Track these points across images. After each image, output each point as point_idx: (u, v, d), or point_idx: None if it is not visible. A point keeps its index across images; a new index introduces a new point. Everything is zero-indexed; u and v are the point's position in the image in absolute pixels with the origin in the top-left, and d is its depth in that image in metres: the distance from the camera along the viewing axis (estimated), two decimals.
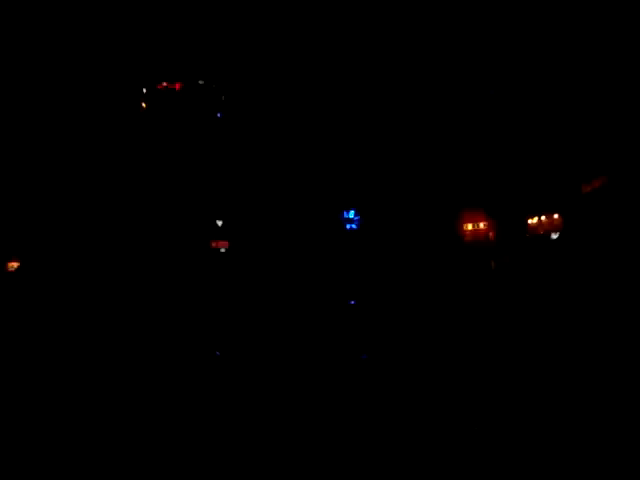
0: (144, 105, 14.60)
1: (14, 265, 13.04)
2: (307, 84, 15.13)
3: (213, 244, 15.08)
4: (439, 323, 11.44)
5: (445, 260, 15.29)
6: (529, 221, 15.82)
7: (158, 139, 14.73)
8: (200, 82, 14.73)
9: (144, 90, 14.57)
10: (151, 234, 14.40)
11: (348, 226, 15.56)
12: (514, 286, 14.45)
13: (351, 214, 15.50)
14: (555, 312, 11.22)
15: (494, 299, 13.42)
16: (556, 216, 15.66)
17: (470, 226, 16.05)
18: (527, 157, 15.86)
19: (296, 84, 15.13)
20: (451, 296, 13.90)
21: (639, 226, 14.42)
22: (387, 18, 14.98)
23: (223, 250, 15.15)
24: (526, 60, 15.26)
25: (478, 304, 13.09)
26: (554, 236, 15.31)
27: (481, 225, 16.06)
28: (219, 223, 15.27)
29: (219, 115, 15.12)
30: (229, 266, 14.69)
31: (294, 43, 14.60)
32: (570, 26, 14.85)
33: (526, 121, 15.87)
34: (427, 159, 15.72)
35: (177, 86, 14.64)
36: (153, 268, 13.80)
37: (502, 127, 15.99)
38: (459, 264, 15.36)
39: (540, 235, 15.65)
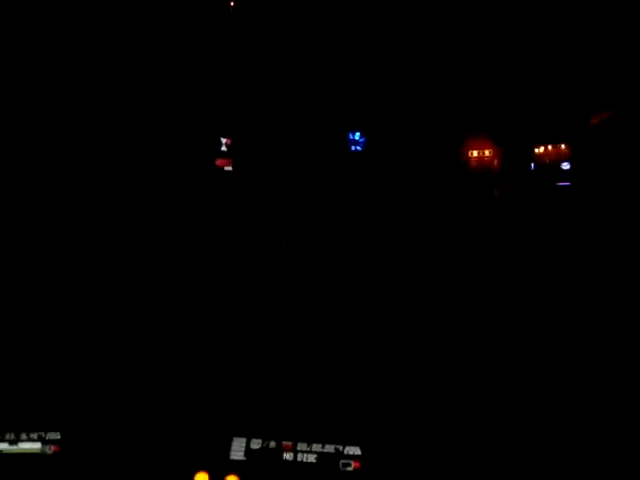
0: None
1: None
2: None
3: (217, 162, 14.88)
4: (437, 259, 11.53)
5: (449, 186, 15.26)
6: (535, 150, 15.69)
7: (156, 47, 14.26)
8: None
9: None
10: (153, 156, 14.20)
11: (353, 148, 15.38)
12: (512, 217, 14.53)
13: (357, 136, 15.30)
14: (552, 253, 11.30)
15: (493, 230, 13.51)
16: (563, 146, 15.53)
17: (475, 153, 15.89)
18: (536, 86, 15.59)
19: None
20: (451, 224, 13.98)
21: None
22: None
23: (228, 169, 14.97)
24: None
25: (478, 230, 13.21)
26: (564, 166, 15.28)
27: (486, 152, 15.90)
28: (223, 141, 15.03)
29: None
30: (234, 187, 14.60)
31: None
32: None
33: (536, 50, 15.52)
34: (435, 84, 15.41)
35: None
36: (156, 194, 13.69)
37: (512, 56, 15.65)
38: (462, 191, 15.35)
39: (546, 164, 15.58)
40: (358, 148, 15.57)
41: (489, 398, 5.37)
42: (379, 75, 15.23)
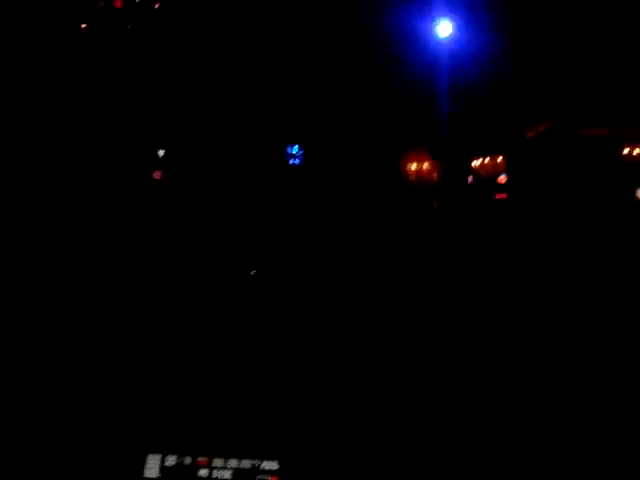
0: (83, 25, 13.82)
1: None
2: (252, 13, 14.55)
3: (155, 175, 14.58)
4: (377, 263, 11.46)
5: (387, 198, 15.26)
6: (473, 163, 15.87)
7: (97, 62, 13.99)
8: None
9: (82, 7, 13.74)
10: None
11: (291, 161, 15.27)
12: (451, 227, 14.61)
13: (295, 149, 15.19)
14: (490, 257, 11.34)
15: (432, 239, 13.52)
16: (499, 159, 15.73)
17: (414, 166, 16.00)
18: (473, 100, 15.76)
19: (240, 13, 14.53)
20: (391, 234, 13.95)
21: (580, 173, 14.65)
22: None
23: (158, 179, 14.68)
24: None
25: (417, 242, 13.18)
26: (501, 179, 15.45)
27: (425, 165, 16.03)
28: (160, 153, 14.75)
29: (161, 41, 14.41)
30: (164, 197, 14.28)
31: None
32: None
33: (473, 65, 15.71)
34: (373, 97, 15.43)
35: (118, 3, 13.84)
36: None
37: (451, 71, 15.80)
38: (401, 203, 15.37)
39: (483, 177, 15.74)
40: (296, 161, 15.49)
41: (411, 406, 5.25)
42: (317, 89, 15.18)
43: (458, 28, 14.86)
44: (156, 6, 14.14)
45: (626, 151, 14.99)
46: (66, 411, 5.67)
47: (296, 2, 14.80)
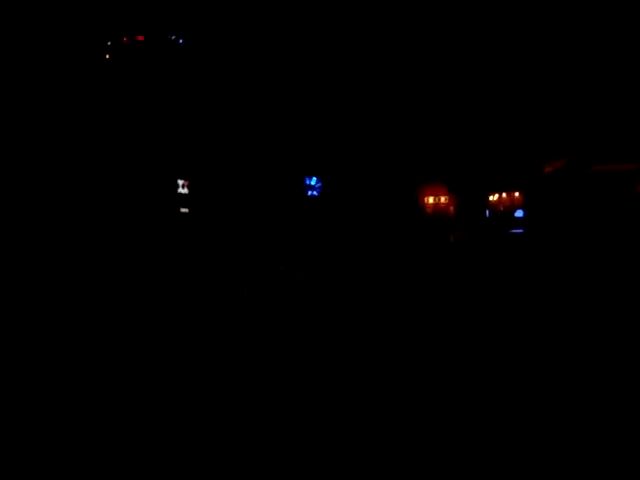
0: (107, 57, 14.36)
1: None
2: (273, 45, 15.01)
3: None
4: (394, 294, 11.63)
5: (404, 231, 15.46)
6: (490, 198, 16.03)
7: (121, 95, 14.51)
8: (166, 36, 14.48)
9: (108, 43, 14.31)
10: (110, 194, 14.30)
11: (309, 192, 15.58)
12: (468, 261, 14.72)
13: (313, 181, 15.52)
14: (508, 290, 11.46)
15: (449, 272, 13.64)
16: (517, 194, 15.87)
17: (431, 199, 16.20)
18: (492, 135, 16.00)
19: (261, 44, 14.99)
20: (409, 267, 14.10)
21: (596, 208, 14.72)
22: None
23: (184, 211, 15.06)
24: (489, 35, 15.32)
25: (434, 277, 13.30)
26: (518, 214, 15.58)
27: (442, 199, 16.23)
28: (180, 183, 15.16)
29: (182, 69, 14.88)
30: (190, 228, 14.69)
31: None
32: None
33: (492, 100, 15.99)
34: (392, 131, 15.75)
35: (141, 38, 14.37)
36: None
37: (469, 104, 16.08)
38: (418, 236, 15.55)
39: (500, 212, 15.88)
40: (314, 193, 15.81)
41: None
42: (337, 122, 15.56)
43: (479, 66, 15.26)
44: (179, 40, 14.63)
45: None
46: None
47: (318, 35, 15.24)
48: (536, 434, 5.12)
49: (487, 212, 16.09)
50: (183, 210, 14.82)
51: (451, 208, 16.19)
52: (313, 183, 15.63)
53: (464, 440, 5.12)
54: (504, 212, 15.96)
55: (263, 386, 6.52)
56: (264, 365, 7.07)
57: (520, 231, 15.57)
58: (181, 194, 14.87)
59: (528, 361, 7.14)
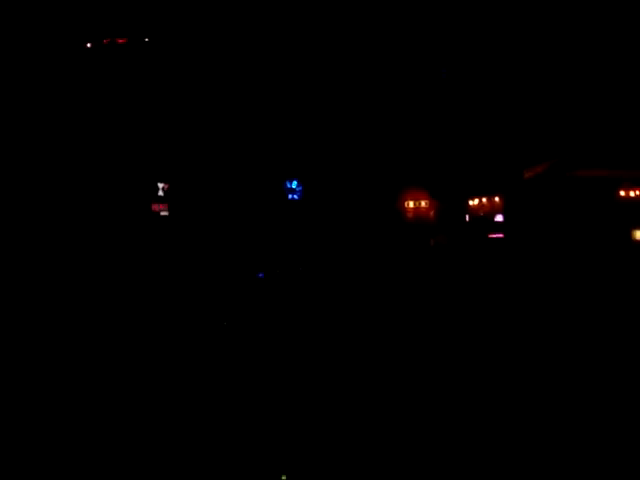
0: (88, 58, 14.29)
1: None
2: (253, 47, 14.98)
3: (154, 207, 14.89)
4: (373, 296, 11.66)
5: (385, 235, 15.48)
6: (470, 202, 16.04)
7: (100, 97, 14.45)
8: (146, 39, 14.43)
9: (88, 45, 14.24)
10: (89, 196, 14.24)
11: (290, 196, 15.55)
12: (448, 265, 14.76)
13: (294, 184, 15.49)
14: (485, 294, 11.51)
15: (429, 276, 13.68)
16: (497, 199, 15.89)
17: (412, 204, 16.21)
18: (472, 140, 16.04)
19: (241, 48, 14.96)
20: (388, 271, 14.12)
21: (577, 213, 14.78)
22: None
23: (164, 214, 14.98)
24: (471, 40, 15.38)
25: (414, 280, 13.32)
26: (498, 218, 15.60)
27: (422, 204, 16.23)
28: (160, 186, 15.08)
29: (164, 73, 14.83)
30: (169, 231, 14.64)
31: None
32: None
33: (472, 104, 16.04)
34: (372, 135, 15.76)
35: (123, 41, 14.31)
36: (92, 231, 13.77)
37: (448, 108, 16.12)
38: (398, 240, 15.57)
39: (480, 216, 15.89)
40: (295, 197, 15.76)
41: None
42: (317, 125, 15.54)
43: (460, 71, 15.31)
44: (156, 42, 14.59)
45: (622, 192, 15.12)
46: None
47: (299, 38, 15.22)
48: (531, 432, 5.14)
49: (467, 217, 16.11)
50: (163, 213, 14.76)
51: (431, 213, 16.20)
52: (294, 186, 15.59)
53: (463, 438, 5.14)
54: (484, 217, 15.98)
55: (262, 385, 6.55)
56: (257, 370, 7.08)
57: (499, 236, 15.62)
58: (160, 197, 14.80)
59: (506, 360, 7.16)
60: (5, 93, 13.68)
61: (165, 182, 14.90)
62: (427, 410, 5.71)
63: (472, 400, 5.93)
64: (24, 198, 13.64)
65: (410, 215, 16.10)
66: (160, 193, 14.88)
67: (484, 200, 16.01)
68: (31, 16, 13.60)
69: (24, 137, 13.93)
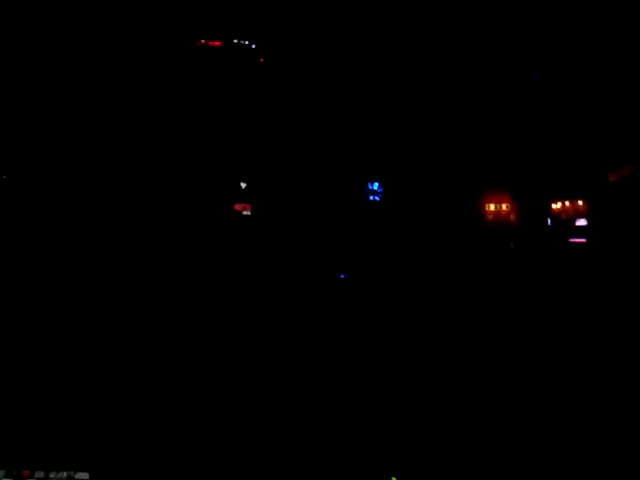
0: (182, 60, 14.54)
1: None
2: (341, 54, 14.98)
3: (237, 207, 15.15)
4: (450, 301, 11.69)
5: (465, 238, 15.38)
6: (552, 206, 15.79)
7: (188, 98, 14.71)
8: (240, 41, 14.59)
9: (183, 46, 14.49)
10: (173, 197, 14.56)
11: (371, 197, 15.60)
12: (529, 270, 14.59)
13: (375, 186, 15.53)
14: (566, 303, 11.37)
15: (507, 281, 13.56)
16: (580, 202, 15.60)
17: (492, 206, 16.05)
18: (556, 142, 15.74)
19: (329, 55, 14.98)
20: (467, 274, 14.06)
21: None
22: None
23: (246, 213, 15.24)
24: (559, 44, 15.04)
25: (494, 283, 13.24)
26: (581, 222, 15.32)
27: (503, 207, 16.05)
28: (243, 186, 15.32)
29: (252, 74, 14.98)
30: (252, 230, 14.87)
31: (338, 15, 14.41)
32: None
33: (557, 107, 15.71)
34: (455, 137, 15.62)
35: (217, 44, 14.51)
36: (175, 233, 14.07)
37: (532, 111, 15.83)
38: (479, 243, 15.45)
39: (562, 220, 15.64)
40: (376, 198, 15.78)
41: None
42: (401, 128, 15.48)
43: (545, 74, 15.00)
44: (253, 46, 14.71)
45: None
46: None
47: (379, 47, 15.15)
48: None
49: (549, 220, 15.87)
50: (245, 213, 15.00)
51: (512, 216, 16.01)
52: (375, 188, 15.63)
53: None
54: (566, 220, 15.72)
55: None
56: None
57: (582, 241, 15.34)
58: (243, 196, 15.04)
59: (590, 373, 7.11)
60: (102, 91, 14.07)
61: (248, 182, 15.15)
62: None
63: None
64: (111, 195, 14.04)
65: (491, 218, 15.96)
66: (243, 193, 15.13)
67: (567, 203, 15.74)
68: (129, 17, 13.91)
69: (114, 135, 14.31)
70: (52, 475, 5.24)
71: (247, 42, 14.58)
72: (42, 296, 10.38)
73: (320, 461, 5.10)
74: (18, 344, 8.04)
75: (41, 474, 5.24)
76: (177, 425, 5.79)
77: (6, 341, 8.12)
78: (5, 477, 5.21)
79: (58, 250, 12.87)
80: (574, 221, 15.57)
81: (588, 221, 15.40)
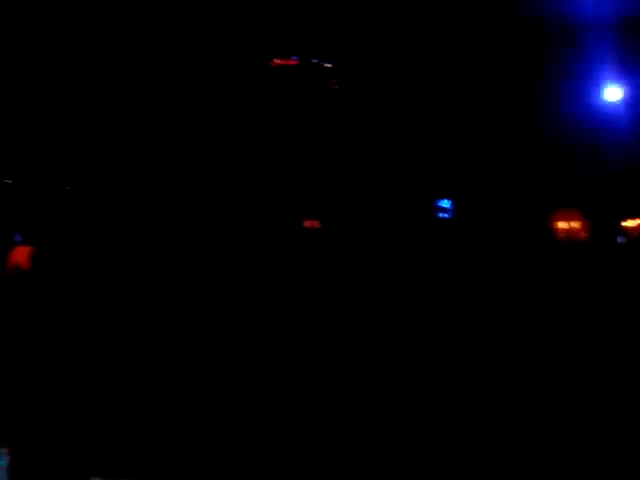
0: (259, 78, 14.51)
1: None
2: (414, 75, 14.90)
3: (306, 224, 15.07)
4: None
5: (536, 256, 15.21)
6: (624, 223, 15.61)
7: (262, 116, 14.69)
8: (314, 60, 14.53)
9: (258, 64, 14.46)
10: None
11: (441, 215, 15.50)
12: (599, 289, 14.38)
13: (445, 203, 15.41)
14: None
15: (577, 301, 13.38)
16: None
17: (562, 224, 15.90)
18: (627, 158, 15.56)
19: (406, 74, 14.90)
20: (537, 292, 13.89)
21: None
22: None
23: (315, 229, 15.15)
24: None
25: (561, 304, 13.08)
26: None
27: (574, 225, 15.89)
28: (310, 201, 15.24)
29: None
30: (321, 247, 14.77)
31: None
32: None
33: (624, 123, 15.55)
34: (525, 156, 15.50)
35: (291, 63, 14.46)
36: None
37: (601, 129, 15.67)
38: (549, 261, 15.27)
39: (635, 238, 15.45)
40: (446, 215, 15.67)
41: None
42: (472, 145, 15.35)
43: (627, 93, 14.83)
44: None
45: None
46: None
47: (447, 58, 15.04)
48: None
49: (621, 238, 15.67)
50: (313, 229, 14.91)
51: (583, 234, 15.83)
52: (445, 205, 15.52)
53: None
54: (638, 238, 15.54)
55: None
56: None
57: None
58: (311, 213, 14.95)
59: None
60: (171, 107, 14.07)
61: (316, 198, 15.06)
62: None
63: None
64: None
65: (560, 236, 15.79)
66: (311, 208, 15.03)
67: (638, 221, 15.57)
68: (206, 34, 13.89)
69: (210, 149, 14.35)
70: None
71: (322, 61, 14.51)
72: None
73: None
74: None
75: None
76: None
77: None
78: None
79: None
80: None
81: None
